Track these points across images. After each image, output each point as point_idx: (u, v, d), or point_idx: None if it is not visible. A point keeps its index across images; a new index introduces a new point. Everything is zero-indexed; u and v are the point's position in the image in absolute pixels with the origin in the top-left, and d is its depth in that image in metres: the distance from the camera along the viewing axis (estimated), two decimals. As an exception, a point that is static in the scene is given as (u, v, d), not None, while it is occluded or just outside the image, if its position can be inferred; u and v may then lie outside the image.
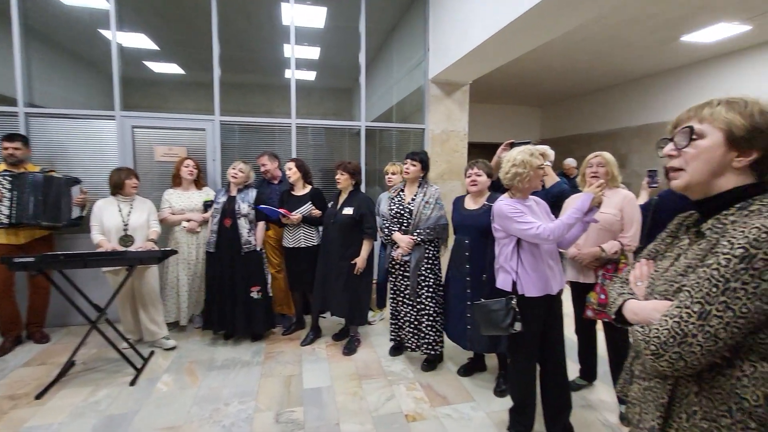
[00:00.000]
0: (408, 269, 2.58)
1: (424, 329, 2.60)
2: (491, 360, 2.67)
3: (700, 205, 0.85)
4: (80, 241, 3.23)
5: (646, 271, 0.96)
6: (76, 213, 2.98)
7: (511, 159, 1.87)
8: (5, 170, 2.77)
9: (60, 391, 2.35)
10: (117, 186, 2.76)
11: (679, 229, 0.96)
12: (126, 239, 2.73)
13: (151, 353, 2.81)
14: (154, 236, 2.83)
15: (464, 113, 4.16)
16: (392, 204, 2.65)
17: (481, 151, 7.33)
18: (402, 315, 2.68)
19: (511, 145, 2.48)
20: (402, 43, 4.63)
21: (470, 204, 2.41)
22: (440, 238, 2.59)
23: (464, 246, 2.39)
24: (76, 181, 3.02)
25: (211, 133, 3.59)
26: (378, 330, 3.31)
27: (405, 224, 2.59)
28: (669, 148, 0.84)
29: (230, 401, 2.27)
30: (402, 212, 2.60)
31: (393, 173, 3.06)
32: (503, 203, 1.88)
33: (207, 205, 3.12)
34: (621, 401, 2.16)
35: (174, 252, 2.75)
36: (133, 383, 2.43)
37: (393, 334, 2.81)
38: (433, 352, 2.62)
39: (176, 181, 3.16)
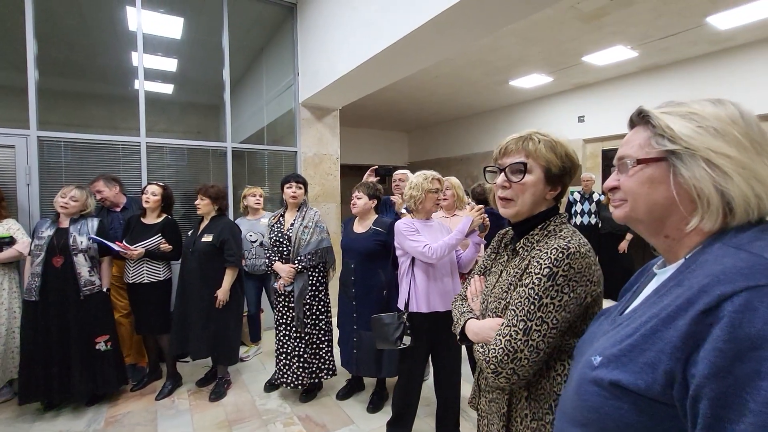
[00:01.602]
0: (293, 299, 2.44)
1: (312, 360, 2.49)
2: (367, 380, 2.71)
3: (515, 226, 1.00)
4: None
5: (479, 287, 1.09)
6: None
7: (409, 182, 2.00)
8: None
9: None
10: None
11: (499, 245, 1.11)
12: None
13: None
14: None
15: (335, 137, 4.28)
16: (272, 232, 2.51)
17: (355, 173, 7.65)
18: (290, 350, 2.48)
19: (375, 172, 2.66)
20: (272, 64, 4.55)
21: (358, 227, 2.42)
22: (325, 262, 2.53)
23: (350, 269, 2.38)
24: None
25: (23, 151, 2.88)
26: (253, 366, 3.06)
27: (285, 252, 2.46)
28: (502, 179, 0.96)
29: (49, 492, 1.79)
30: (281, 239, 2.47)
31: (252, 195, 2.97)
32: (401, 221, 1.99)
33: (3, 242, 2.45)
34: None
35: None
36: None
37: (279, 372, 2.54)
38: (316, 381, 2.53)
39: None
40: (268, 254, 2.53)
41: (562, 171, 0.93)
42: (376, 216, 2.42)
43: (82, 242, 2.40)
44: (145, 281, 2.57)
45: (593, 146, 5.80)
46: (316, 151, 4.11)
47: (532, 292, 0.84)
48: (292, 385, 2.47)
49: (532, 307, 0.83)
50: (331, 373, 2.56)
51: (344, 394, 2.60)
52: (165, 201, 2.68)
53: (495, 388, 0.95)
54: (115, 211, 2.83)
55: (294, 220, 2.51)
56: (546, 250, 0.86)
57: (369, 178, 2.71)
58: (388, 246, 2.26)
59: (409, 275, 1.97)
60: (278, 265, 2.45)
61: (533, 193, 0.93)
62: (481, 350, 0.89)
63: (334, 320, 2.57)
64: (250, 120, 4.84)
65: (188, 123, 5.85)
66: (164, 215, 2.69)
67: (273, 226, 2.55)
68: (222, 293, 2.50)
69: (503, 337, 0.85)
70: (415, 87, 5.67)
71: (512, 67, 4.97)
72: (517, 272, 0.92)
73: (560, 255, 0.83)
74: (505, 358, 0.83)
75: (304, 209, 2.55)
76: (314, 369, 2.50)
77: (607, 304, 0.81)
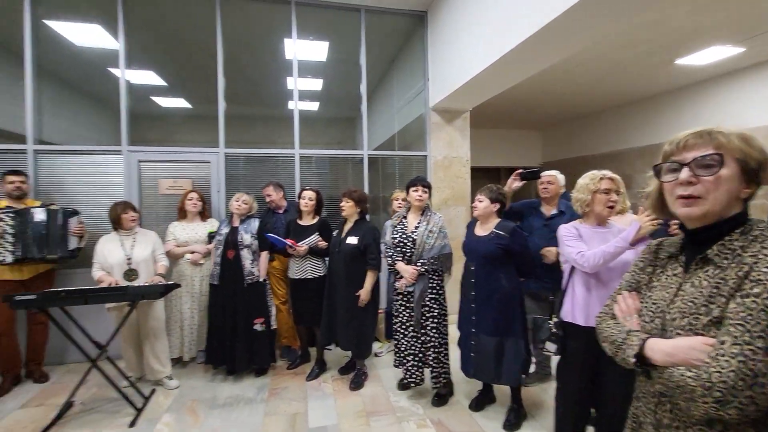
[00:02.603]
0: (412, 300, 2.52)
1: (430, 362, 2.52)
2: (502, 391, 2.55)
3: (698, 232, 0.84)
4: (79, 276, 3.20)
5: (633, 305, 0.93)
6: (73, 244, 2.95)
7: (577, 185, 1.91)
8: (7, 207, 2.78)
9: (57, 434, 2.27)
10: (115, 221, 2.75)
11: (656, 257, 0.94)
12: (130, 273, 2.70)
13: (153, 391, 2.73)
14: (162, 271, 2.80)
15: (465, 139, 4.20)
16: (395, 232, 2.62)
17: (484, 175, 7.39)
18: (404, 347, 2.58)
19: (521, 176, 2.48)
20: (402, 74, 4.75)
21: (479, 230, 2.38)
22: (444, 267, 2.55)
23: (470, 272, 2.35)
24: (75, 213, 3.01)
25: (215, 165, 3.63)
26: (385, 362, 3.21)
27: (408, 253, 2.54)
28: (687, 174, 0.80)
29: (233, 443, 2.17)
30: (405, 241, 2.55)
31: (404, 199, 3.06)
32: (563, 225, 1.94)
33: (211, 237, 3.11)
34: None
35: (177, 286, 2.72)
36: (132, 425, 2.34)
37: (397, 365, 2.67)
38: (439, 385, 2.53)
39: (181, 213, 3.16)
40: (389, 253, 2.62)
41: (759, 165, 0.79)
42: (499, 220, 2.34)
43: (247, 239, 2.89)
44: (308, 276, 2.93)
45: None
46: (446, 154, 4.11)
47: None
48: (415, 382, 2.56)
49: None
50: (447, 376, 2.55)
51: (477, 405, 2.50)
52: (318, 204, 3.02)
53: (698, 422, 0.76)
54: (278, 213, 3.32)
55: (419, 223, 2.55)
56: None
57: (513, 183, 2.55)
58: (510, 251, 2.21)
59: (569, 282, 1.87)
60: (401, 266, 2.52)
61: (728, 190, 0.79)
62: (690, 374, 0.73)
63: (452, 327, 2.54)
64: (382, 128, 5.14)
65: (330, 135, 6.55)
66: (317, 217, 3.04)
67: (396, 226, 2.64)
68: (364, 293, 2.68)
69: (733, 358, 0.68)
70: (552, 79, 5.17)
71: (681, 42, 4.10)
72: (720, 283, 0.76)
73: None
74: (740, 383, 0.66)
75: (429, 213, 2.58)
76: (434, 374, 2.52)
77: None
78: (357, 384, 2.78)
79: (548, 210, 2.69)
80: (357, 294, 2.69)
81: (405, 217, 2.64)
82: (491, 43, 2.76)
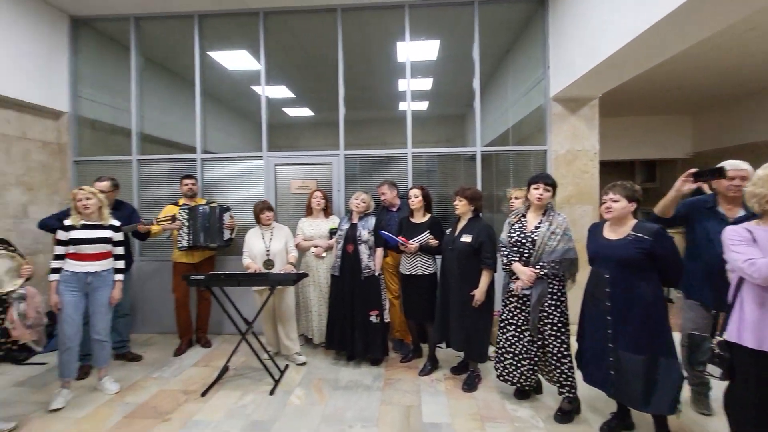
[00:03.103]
0: (528, 303, 2.37)
1: (552, 373, 2.34)
2: (642, 418, 2.21)
3: None
4: (229, 263, 3.83)
5: None
6: (227, 235, 3.53)
7: (755, 176, 1.64)
8: (183, 204, 3.47)
9: (218, 391, 2.75)
10: (256, 217, 3.20)
11: None
12: (268, 263, 3.13)
13: (286, 367, 3.11)
14: (293, 260, 3.18)
15: (593, 130, 3.75)
16: (512, 231, 2.48)
17: (613, 170, 6.49)
18: (518, 351, 2.43)
19: (695, 176, 2.07)
20: (517, 65, 4.48)
21: (610, 233, 2.11)
22: (567, 272, 2.33)
23: (603, 280, 2.09)
24: (227, 209, 3.59)
25: (336, 167, 3.95)
26: (499, 367, 3.07)
27: (526, 254, 2.38)
28: None
29: (354, 424, 2.34)
30: (523, 241, 2.39)
31: (516, 198, 2.89)
32: (730, 227, 1.68)
33: (332, 233, 3.40)
34: None
35: (305, 275, 3.05)
36: (272, 393, 2.71)
37: (503, 369, 2.49)
38: (564, 400, 2.33)
39: (308, 210, 3.53)
40: (505, 252, 2.48)
41: None
42: (635, 221, 2.05)
43: (364, 235, 3.07)
44: (418, 273, 2.99)
45: None
46: (569, 147, 3.74)
47: None
48: (519, 385, 2.45)
49: None
50: (575, 393, 2.32)
51: (609, 429, 2.21)
52: (426, 200, 3.05)
53: None
54: (392, 211, 3.45)
55: (540, 223, 2.36)
56: None
57: (684, 186, 2.10)
58: (653, 256, 1.93)
59: (737, 296, 1.58)
60: (518, 267, 2.38)
61: None
62: None
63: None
64: (494, 123, 4.92)
65: (439, 133, 6.56)
66: (429, 215, 3.08)
67: (514, 225, 2.48)
68: (479, 293, 2.61)
69: None
70: (711, 50, 4.26)
71: None
72: None
73: None
74: None
75: (551, 213, 2.37)
76: (554, 383, 2.36)
77: None
78: (470, 386, 2.73)
79: (731, 211, 2.17)
80: (471, 294, 2.64)
81: (524, 216, 2.48)
82: (631, 16, 2.40)
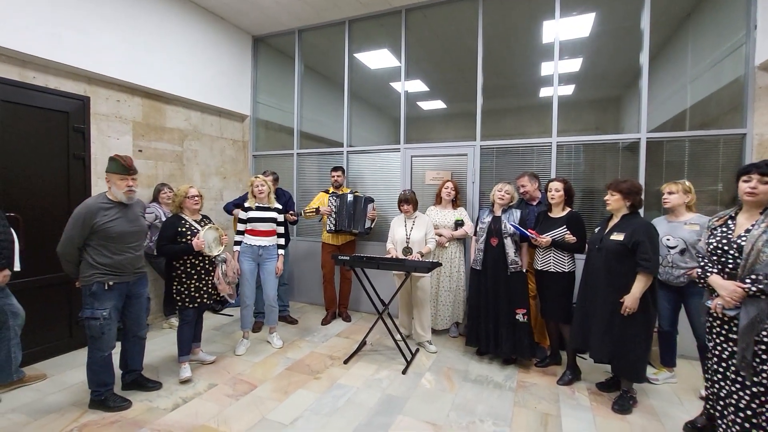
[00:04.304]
0: (734, 326, 1.82)
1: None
2: None
3: None
4: (369, 247, 4.16)
5: None
6: (368, 224, 3.84)
7: None
8: (332, 192, 3.90)
9: (357, 362, 3.05)
10: (399, 206, 3.38)
11: None
12: (407, 250, 3.29)
13: (417, 350, 3.24)
14: (424, 251, 3.27)
15: (828, 105, 2.80)
16: (712, 236, 1.97)
17: None
18: (720, 391, 1.88)
19: None
20: (703, 29, 3.62)
21: None
22: None
23: None
24: (371, 200, 3.90)
25: (471, 158, 3.89)
26: (665, 394, 2.59)
27: (730, 264, 1.85)
28: None
29: (485, 419, 2.30)
30: (726, 247, 1.87)
31: (670, 192, 2.40)
32: None
33: (457, 224, 3.37)
34: None
35: (439, 264, 3.10)
36: (404, 372, 2.87)
37: (706, 413, 2.09)
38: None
39: (437, 199, 3.58)
40: (703, 262, 1.98)
41: None
42: None
43: (510, 228, 2.92)
44: (551, 270, 2.77)
45: None
46: (783, 130, 2.87)
47: None
48: None
49: None
50: None
51: None
52: (567, 194, 2.77)
53: None
54: (531, 205, 3.23)
55: (754, 225, 1.82)
56: None
57: None
58: None
59: None
60: (716, 279, 1.86)
61: None
62: None
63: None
64: (662, 105, 4.11)
65: (585, 120, 5.82)
66: (568, 209, 2.78)
67: (716, 228, 1.96)
68: (630, 300, 2.26)
69: None
70: None
71: None
72: None
73: None
74: None
75: None
76: None
77: None
78: (622, 407, 2.38)
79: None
80: (621, 300, 2.29)
81: (733, 217, 1.95)
82: None
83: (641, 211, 3.07)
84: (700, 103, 3.59)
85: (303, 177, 4.77)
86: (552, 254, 2.78)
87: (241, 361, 3.04)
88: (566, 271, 2.75)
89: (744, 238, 1.82)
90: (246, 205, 3.23)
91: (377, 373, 2.87)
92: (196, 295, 2.74)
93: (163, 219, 3.39)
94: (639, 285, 2.26)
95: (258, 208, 3.21)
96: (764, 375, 1.72)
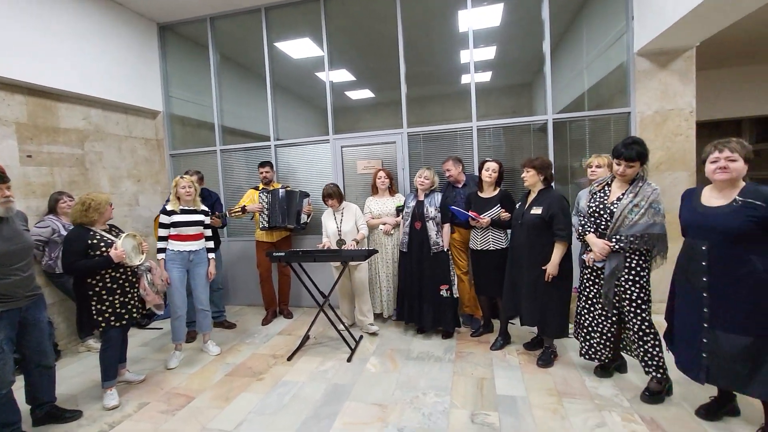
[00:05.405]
0: (602, 275, 2.26)
1: (637, 351, 2.22)
2: (749, 404, 1.99)
3: None
4: (306, 241, 4.10)
5: None
6: (304, 219, 3.78)
7: None
8: (262, 189, 3.77)
9: (302, 357, 3.02)
10: (324, 201, 3.38)
11: None
12: (340, 242, 3.30)
13: (361, 337, 3.30)
14: (358, 237, 3.31)
15: (689, 86, 3.31)
16: (592, 200, 2.33)
17: (713, 132, 5.66)
18: (588, 323, 2.39)
19: None
20: (594, 19, 4.05)
21: (711, 198, 1.87)
22: (653, 248, 2.13)
23: (700, 253, 1.87)
24: (307, 195, 3.83)
25: (400, 145, 3.98)
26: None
27: (603, 226, 2.23)
28: None
29: (427, 392, 2.43)
30: (601, 212, 2.25)
31: (598, 166, 2.70)
32: None
33: (399, 210, 3.47)
34: None
35: (376, 251, 3.16)
36: (349, 360, 2.91)
37: (580, 344, 2.49)
38: (653, 381, 2.20)
39: (374, 189, 3.63)
40: (582, 221, 2.34)
41: None
42: (744, 184, 1.79)
43: (431, 212, 3.08)
44: (491, 248, 2.96)
45: None
46: (657, 108, 3.35)
47: None
48: (592, 359, 2.42)
49: None
50: (663, 373, 2.17)
51: (708, 414, 2.03)
52: (500, 175, 2.98)
53: None
54: (457, 187, 3.41)
55: (623, 194, 2.18)
56: None
57: None
58: (766, 225, 1.69)
59: None
60: (591, 238, 2.27)
61: None
62: None
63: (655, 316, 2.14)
64: (566, 88, 4.55)
65: (503, 105, 6.24)
66: (498, 188, 3.00)
67: (596, 194, 2.32)
68: (552, 267, 2.52)
69: None
70: None
71: None
72: None
73: None
74: None
75: (640, 184, 2.16)
76: (644, 364, 2.22)
77: None
78: (545, 361, 2.67)
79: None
80: (543, 268, 2.55)
81: (609, 185, 2.31)
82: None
83: (553, 185, 3.42)
84: (595, 86, 4.03)
85: (230, 175, 4.53)
86: (491, 233, 2.96)
87: (175, 375, 2.85)
88: (503, 247, 2.96)
89: (616, 205, 2.19)
90: (168, 208, 2.98)
91: (322, 365, 2.88)
92: (123, 311, 2.49)
93: (63, 232, 3.02)
94: (557, 253, 2.53)
95: (183, 212, 2.99)
96: (626, 311, 2.22)
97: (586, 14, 4.21)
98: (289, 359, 2.98)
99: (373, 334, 3.33)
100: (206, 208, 3.14)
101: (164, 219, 2.96)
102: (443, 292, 3.10)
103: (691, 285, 1.93)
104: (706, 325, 1.87)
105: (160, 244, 2.96)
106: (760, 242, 1.73)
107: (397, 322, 3.52)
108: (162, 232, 2.97)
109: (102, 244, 2.42)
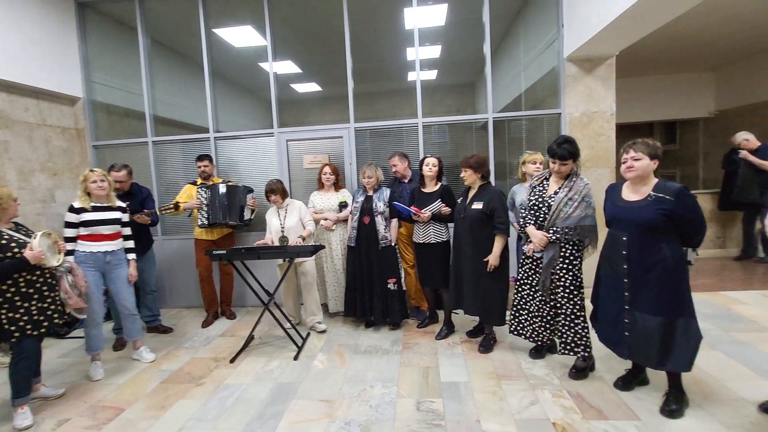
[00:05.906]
0: (540, 264, 2.43)
1: (567, 334, 2.40)
2: (657, 375, 2.26)
3: None
4: (251, 238, 3.94)
5: None
6: (248, 215, 3.63)
7: None
8: (201, 184, 3.55)
9: (246, 358, 2.91)
10: (267, 198, 3.27)
11: None
12: (282, 239, 3.21)
13: (308, 334, 3.24)
14: (305, 234, 3.23)
15: (609, 90, 3.64)
16: (532, 194, 2.49)
17: (631, 134, 6.29)
18: (531, 308, 2.55)
19: None
20: (530, 25, 4.31)
21: (629, 194, 2.08)
22: (584, 239, 2.33)
23: (621, 243, 2.07)
24: (251, 190, 3.68)
25: (347, 140, 3.96)
26: (514, 330, 3.14)
27: (541, 218, 2.40)
28: None
29: (374, 384, 2.46)
30: (540, 205, 2.42)
31: (534, 162, 2.87)
32: None
33: (341, 206, 3.45)
34: None
35: (322, 247, 3.13)
36: (296, 358, 2.85)
37: (517, 323, 2.67)
38: (578, 358, 2.40)
39: (320, 184, 3.57)
40: (523, 214, 2.51)
41: None
42: (656, 180, 2.00)
43: (380, 206, 3.11)
44: (432, 241, 3.04)
45: None
46: (584, 109, 3.64)
47: None
48: (530, 339, 2.61)
49: None
50: (589, 352, 2.39)
51: (624, 385, 2.27)
52: (440, 170, 3.07)
53: None
54: (404, 182, 3.47)
55: (560, 189, 2.35)
56: None
57: None
58: (675, 217, 1.90)
59: None
60: (531, 230, 2.44)
61: None
62: None
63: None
64: (506, 89, 4.80)
65: (448, 103, 6.43)
66: (439, 183, 3.09)
67: (535, 188, 2.49)
68: (493, 258, 2.65)
69: None
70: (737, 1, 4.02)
71: None
72: None
73: None
74: None
75: (574, 179, 2.35)
76: (569, 342, 2.41)
77: None
78: (486, 347, 2.81)
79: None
80: (485, 260, 2.68)
81: (547, 180, 2.48)
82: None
83: (492, 180, 3.60)
84: (531, 88, 4.30)
85: (164, 169, 4.21)
86: (431, 227, 3.04)
87: (101, 386, 2.61)
88: (444, 240, 3.05)
89: (553, 199, 2.36)
90: (76, 205, 2.66)
91: (267, 364, 2.79)
92: (41, 318, 2.22)
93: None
94: (498, 245, 2.67)
95: (95, 209, 2.70)
96: (559, 296, 2.40)
97: (523, 20, 4.47)
98: (232, 361, 2.85)
99: (322, 332, 3.29)
100: (123, 204, 2.88)
101: (71, 217, 2.65)
102: (391, 285, 3.14)
103: (614, 271, 2.13)
104: (627, 307, 2.07)
105: (69, 246, 2.62)
106: (669, 232, 1.95)
107: (345, 318, 3.51)
108: (68, 232, 2.65)
109: (13, 244, 2.14)
